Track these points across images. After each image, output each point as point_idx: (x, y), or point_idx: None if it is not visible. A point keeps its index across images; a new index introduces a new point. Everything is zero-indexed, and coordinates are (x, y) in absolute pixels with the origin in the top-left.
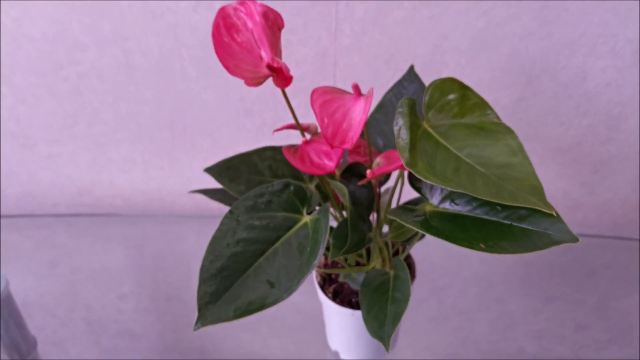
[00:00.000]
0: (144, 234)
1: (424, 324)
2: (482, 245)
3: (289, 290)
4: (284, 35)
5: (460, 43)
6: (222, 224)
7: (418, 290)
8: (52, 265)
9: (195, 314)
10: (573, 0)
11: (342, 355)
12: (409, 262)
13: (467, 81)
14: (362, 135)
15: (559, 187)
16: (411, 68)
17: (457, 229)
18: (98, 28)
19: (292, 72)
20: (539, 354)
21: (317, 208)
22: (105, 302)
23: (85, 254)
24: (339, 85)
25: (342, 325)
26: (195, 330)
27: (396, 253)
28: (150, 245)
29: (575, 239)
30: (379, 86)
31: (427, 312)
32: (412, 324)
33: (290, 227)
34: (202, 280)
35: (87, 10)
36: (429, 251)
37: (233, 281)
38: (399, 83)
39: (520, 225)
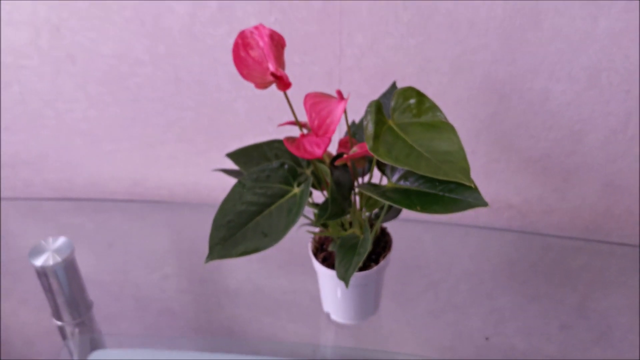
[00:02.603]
0: (183, 220)
1: (424, 317)
2: (419, 208)
3: (277, 240)
4: (300, 57)
5: (441, 66)
6: (232, 189)
7: (416, 282)
8: (109, 245)
9: (226, 300)
10: (533, 32)
11: (332, 316)
12: (386, 238)
13: (448, 98)
14: (352, 135)
15: (534, 193)
16: (393, 83)
17: (403, 197)
18: (154, 48)
19: (304, 87)
20: (528, 352)
21: None
22: (150, 282)
23: (136, 236)
24: None
25: (329, 287)
26: (206, 262)
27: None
28: (188, 230)
29: (485, 204)
30: (374, 98)
31: (426, 305)
32: (412, 316)
33: (283, 195)
34: (214, 227)
35: (147, 34)
36: (424, 247)
37: (237, 230)
38: (384, 94)
39: (449, 195)
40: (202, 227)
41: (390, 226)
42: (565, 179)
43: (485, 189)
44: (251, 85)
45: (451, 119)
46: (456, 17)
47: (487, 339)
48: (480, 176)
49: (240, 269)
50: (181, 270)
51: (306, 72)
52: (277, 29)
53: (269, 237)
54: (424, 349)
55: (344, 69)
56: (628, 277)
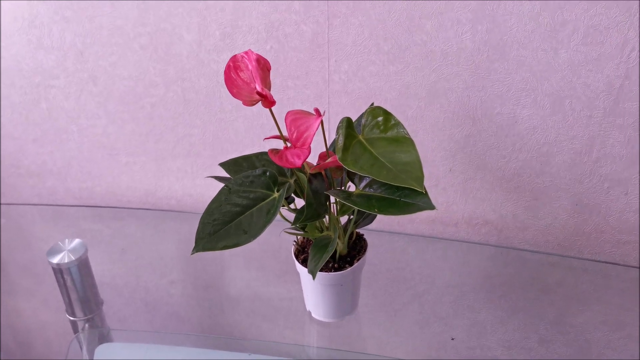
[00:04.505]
0: (190, 229)
1: (410, 327)
2: (377, 210)
3: (255, 236)
4: (293, 81)
5: (419, 91)
6: (219, 192)
7: (403, 294)
8: (122, 251)
9: (228, 305)
10: (500, 62)
11: (313, 315)
12: (362, 243)
13: (426, 120)
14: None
15: (508, 211)
16: (372, 104)
17: (364, 201)
18: (166, 72)
19: (298, 107)
20: None
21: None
22: (159, 287)
23: (147, 243)
24: (332, 119)
25: (310, 287)
26: (192, 254)
27: (351, 235)
28: (194, 239)
29: (432, 207)
30: None
31: (412, 316)
32: (400, 326)
33: (264, 199)
34: (201, 224)
35: (159, 59)
36: (408, 260)
37: (221, 228)
38: (362, 115)
39: (404, 200)
40: None
41: (376, 239)
42: (536, 197)
43: (462, 205)
44: (250, 106)
45: (429, 139)
46: (431, 48)
47: (452, 339)
48: (458, 193)
49: (240, 277)
50: (186, 277)
51: (299, 95)
52: (273, 56)
53: (248, 234)
54: (410, 355)
55: (332, 92)
56: (601, 293)
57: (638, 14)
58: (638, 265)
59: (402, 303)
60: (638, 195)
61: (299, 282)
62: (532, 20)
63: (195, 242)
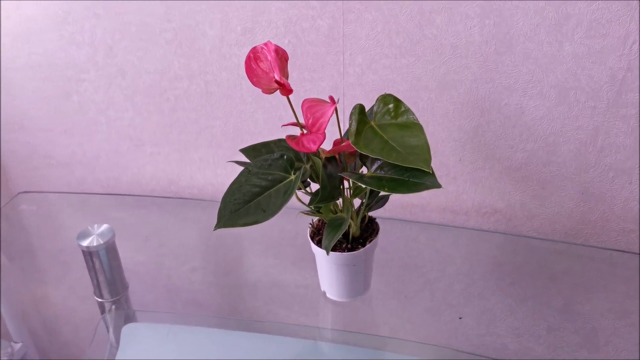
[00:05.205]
0: (211, 217)
1: (422, 314)
2: (386, 189)
3: (272, 214)
4: (310, 74)
5: (429, 83)
6: (240, 173)
7: (415, 281)
8: (146, 238)
9: (247, 291)
10: (507, 55)
11: (327, 295)
12: (374, 226)
13: (436, 111)
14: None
15: (516, 200)
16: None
17: (375, 181)
18: (189, 66)
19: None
20: (520, 352)
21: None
22: (180, 274)
23: (170, 230)
24: (346, 110)
25: (324, 267)
26: (215, 229)
27: (363, 218)
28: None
29: (438, 186)
30: None
31: (423, 303)
32: (412, 313)
33: (281, 181)
34: (223, 202)
35: (184, 54)
36: (420, 247)
37: (241, 207)
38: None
39: (413, 180)
40: None
41: (389, 226)
42: (542, 186)
43: (472, 194)
44: (269, 98)
45: (440, 129)
46: (440, 42)
47: (460, 318)
48: (467, 182)
49: (259, 264)
50: (207, 264)
51: (315, 87)
52: (290, 50)
53: (267, 212)
54: (422, 342)
55: (347, 84)
56: (607, 281)
57: (639, 8)
58: None
59: (414, 290)
60: None
61: (315, 269)
62: (537, 14)
63: (217, 219)
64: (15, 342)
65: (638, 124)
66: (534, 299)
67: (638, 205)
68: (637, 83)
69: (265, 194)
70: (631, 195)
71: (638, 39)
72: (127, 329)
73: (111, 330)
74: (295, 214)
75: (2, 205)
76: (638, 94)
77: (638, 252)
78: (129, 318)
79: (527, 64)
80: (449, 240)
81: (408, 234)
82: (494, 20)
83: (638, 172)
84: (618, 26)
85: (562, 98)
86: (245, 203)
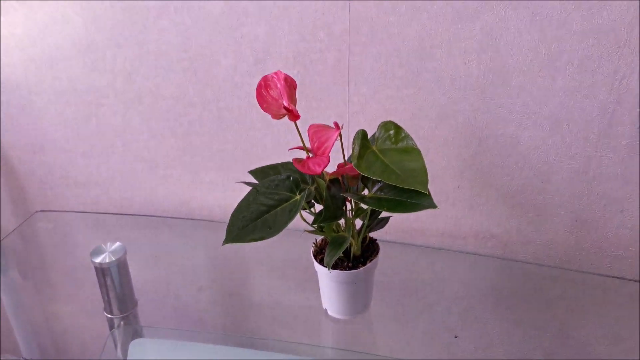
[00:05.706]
0: (218, 238)
1: (421, 337)
2: (386, 209)
3: (278, 231)
4: (317, 102)
5: (430, 113)
6: (248, 193)
7: (415, 304)
8: (156, 258)
9: (251, 312)
10: (503, 87)
11: (328, 312)
12: (374, 247)
13: (437, 139)
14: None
15: (512, 225)
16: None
17: (375, 202)
18: (203, 92)
19: None
20: None
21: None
22: (188, 293)
23: (179, 251)
24: (350, 137)
25: (326, 285)
26: (223, 244)
27: (365, 238)
28: (222, 248)
29: (434, 206)
30: None
31: (423, 326)
32: (411, 335)
33: (287, 200)
34: (232, 219)
35: (198, 82)
36: (419, 270)
37: (249, 223)
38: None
39: (410, 200)
40: (235, 246)
41: (390, 249)
42: (538, 213)
43: (470, 219)
44: (277, 124)
45: (439, 157)
46: (440, 74)
47: (456, 337)
48: (466, 208)
49: (263, 285)
50: (213, 284)
51: (322, 115)
52: (299, 80)
53: (272, 229)
54: None
55: (352, 113)
56: (601, 307)
57: (627, 46)
58: (637, 279)
59: (413, 313)
60: (638, 213)
61: (317, 290)
62: (531, 50)
63: (226, 235)
64: (25, 359)
65: (630, 154)
66: (530, 323)
67: (632, 233)
68: (627, 116)
69: (272, 212)
70: (622, 223)
71: (628, 74)
72: (134, 345)
73: (119, 345)
74: (299, 236)
75: (20, 223)
76: (629, 126)
77: (635, 278)
78: (137, 334)
79: (522, 97)
80: (448, 263)
81: (408, 257)
82: (490, 55)
83: (630, 200)
84: (608, 62)
85: (556, 129)
86: (253, 220)
